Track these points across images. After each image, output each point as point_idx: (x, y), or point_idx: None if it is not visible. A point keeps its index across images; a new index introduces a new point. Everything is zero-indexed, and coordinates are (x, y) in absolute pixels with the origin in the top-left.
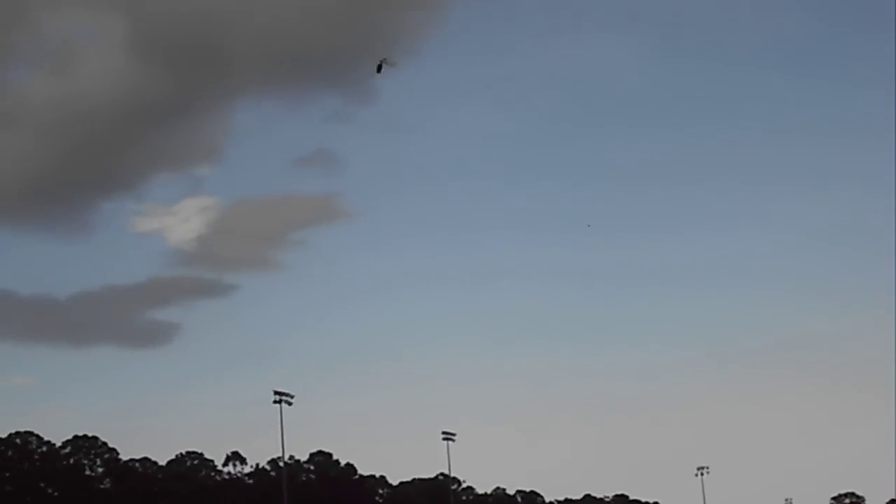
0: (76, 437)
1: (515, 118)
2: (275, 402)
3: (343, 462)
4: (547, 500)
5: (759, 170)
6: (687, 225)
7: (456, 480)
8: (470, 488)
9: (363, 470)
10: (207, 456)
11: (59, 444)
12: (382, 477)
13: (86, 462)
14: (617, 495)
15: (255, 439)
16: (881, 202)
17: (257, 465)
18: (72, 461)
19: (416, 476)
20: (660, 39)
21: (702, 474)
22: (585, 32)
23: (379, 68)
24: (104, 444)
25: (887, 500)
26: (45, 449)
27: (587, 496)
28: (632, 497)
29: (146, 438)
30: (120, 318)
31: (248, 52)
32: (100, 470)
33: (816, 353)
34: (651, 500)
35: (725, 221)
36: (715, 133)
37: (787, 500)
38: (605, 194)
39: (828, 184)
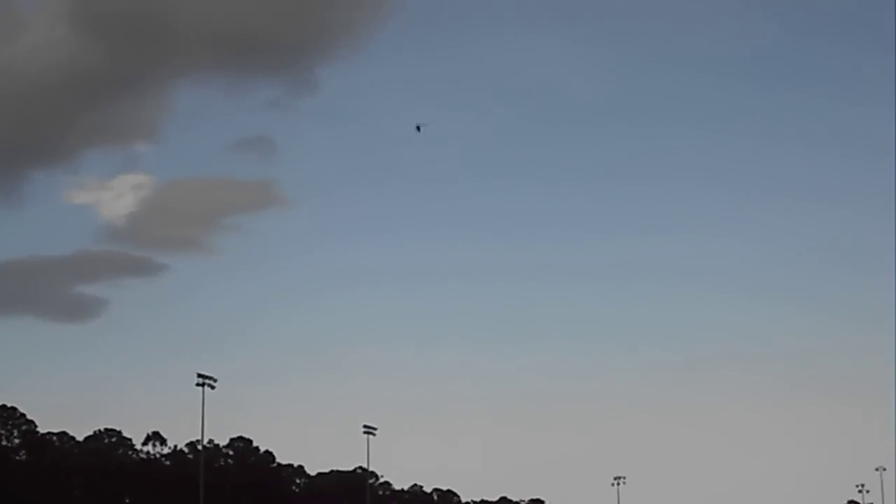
0: None
1: (460, 118)
2: (197, 384)
3: (262, 449)
4: (463, 500)
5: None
6: (615, 225)
7: (374, 475)
8: (387, 483)
9: (282, 459)
10: (126, 434)
11: None
12: (301, 467)
13: (2, 432)
14: (533, 499)
15: (176, 421)
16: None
17: (175, 446)
18: None
19: (335, 468)
20: (616, 46)
21: (618, 484)
22: (538, 35)
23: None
24: (22, 415)
25: None
26: None
27: (503, 498)
28: (548, 502)
29: (66, 413)
30: (46, 289)
31: (193, 34)
32: (16, 441)
33: (753, 363)
34: None
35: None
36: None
37: None
38: (541, 196)
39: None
